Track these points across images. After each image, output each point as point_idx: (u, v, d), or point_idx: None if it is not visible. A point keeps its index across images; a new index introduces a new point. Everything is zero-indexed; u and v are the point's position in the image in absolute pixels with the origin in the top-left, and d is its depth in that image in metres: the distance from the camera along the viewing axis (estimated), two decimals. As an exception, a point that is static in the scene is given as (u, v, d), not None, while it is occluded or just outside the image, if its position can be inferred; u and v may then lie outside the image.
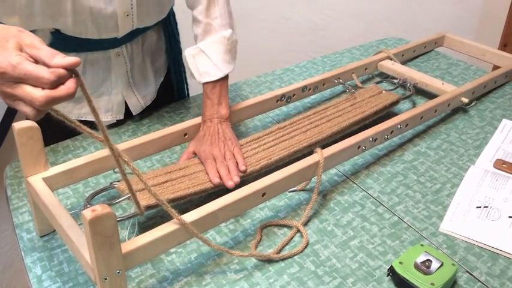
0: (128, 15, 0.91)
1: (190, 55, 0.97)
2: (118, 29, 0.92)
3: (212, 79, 0.95)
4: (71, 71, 0.54)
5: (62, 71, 0.53)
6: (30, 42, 0.56)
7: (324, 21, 2.19)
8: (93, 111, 0.58)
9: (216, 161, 0.86)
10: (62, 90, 0.54)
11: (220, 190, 0.83)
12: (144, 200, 0.77)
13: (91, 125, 1.03)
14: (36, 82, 0.53)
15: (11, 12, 0.84)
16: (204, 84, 0.96)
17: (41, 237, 0.82)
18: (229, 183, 0.82)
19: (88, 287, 0.73)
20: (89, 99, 0.57)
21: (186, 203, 0.86)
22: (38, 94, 0.53)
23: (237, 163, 0.86)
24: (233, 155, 0.88)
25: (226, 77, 0.96)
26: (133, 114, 1.08)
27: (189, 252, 0.80)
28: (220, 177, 0.83)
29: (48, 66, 0.54)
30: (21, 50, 0.56)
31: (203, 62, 0.96)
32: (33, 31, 0.89)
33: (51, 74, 0.53)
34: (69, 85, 0.54)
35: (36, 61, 0.55)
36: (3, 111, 1.56)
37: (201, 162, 0.88)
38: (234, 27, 1.00)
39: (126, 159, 0.64)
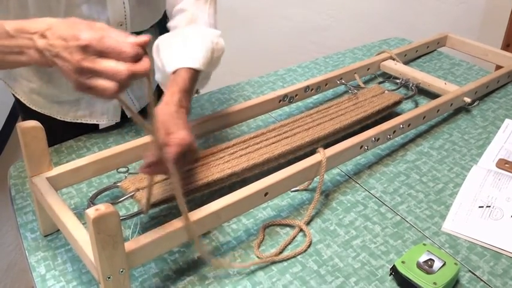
0: (121, 24, 0.91)
1: (164, 42, 0.85)
2: None
3: (184, 66, 0.79)
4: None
5: (140, 48, 0.55)
6: (101, 26, 0.56)
7: (326, 22, 2.20)
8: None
9: None
10: (142, 65, 0.55)
11: (222, 188, 0.84)
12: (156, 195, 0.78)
13: (87, 127, 1.04)
14: (117, 56, 0.54)
15: (6, 13, 0.84)
16: (175, 72, 0.80)
17: (45, 236, 0.82)
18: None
19: (92, 286, 0.74)
20: (150, 83, 0.58)
21: (188, 202, 0.86)
22: (122, 67, 0.53)
23: None
24: None
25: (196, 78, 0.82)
26: (128, 116, 1.08)
27: (192, 251, 0.80)
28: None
29: None
30: None
31: (177, 47, 0.82)
32: None
33: (132, 48, 0.54)
34: (146, 62, 0.55)
35: None
36: (7, 112, 1.56)
37: (201, 157, 0.87)
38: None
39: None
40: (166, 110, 0.74)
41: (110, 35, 0.55)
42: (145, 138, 0.89)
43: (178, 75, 0.80)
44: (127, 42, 0.54)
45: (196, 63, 0.80)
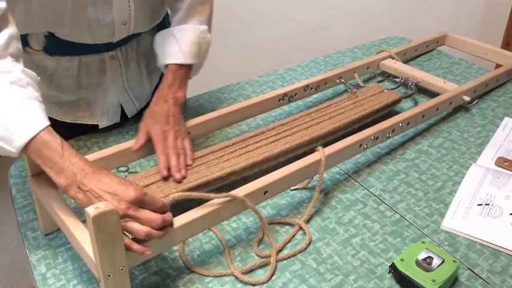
0: (125, 24, 0.92)
1: (160, 38, 0.97)
2: (114, 36, 0.93)
3: (175, 62, 0.93)
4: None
5: (166, 205, 0.70)
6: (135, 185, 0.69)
7: (326, 21, 2.20)
8: None
9: (169, 147, 0.85)
10: (170, 216, 0.69)
11: (222, 187, 0.84)
12: (156, 193, 0.78)
13: (87, 127, 1.05)
14: (153, 208, 0.67)
15: (11, 15, 0.84)
16: (167, 66, 0.94)
17: (46, 235, 0.82)
18: (177, 176, 0.82)
19: (92, 285, 0.74)
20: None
21: (188, 201, 0.86)
22: (157, 217, 0.66)
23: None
24: (183, 145, 0.87)
25: (189, 68, 0.95)
26: (128, 116, 1.08)
27: (191, 250, 0.80)
28: (169, 169, 0.83)
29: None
30: None
31: (171, 44, 0.95)
32: (26, 35, 0.90)
33: (163, 204, 0.68)
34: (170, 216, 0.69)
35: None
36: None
37: (202, 156, 0.88)
38: (210, 31, 1.01)
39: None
40: (161, 109, 0.89)
41: (147, 192, 0.68)
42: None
43: (171, 69, 0.94)
44: (159, 199, 0.69)
45: (182, 59, 0.94)
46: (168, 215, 0.69)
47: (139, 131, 0.89)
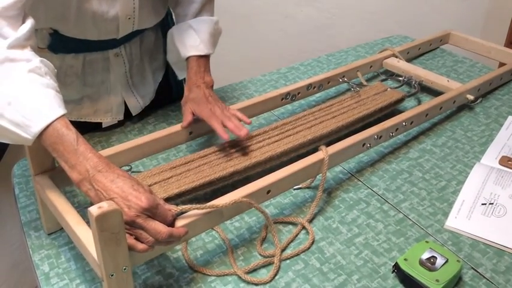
0: (129, 18, 0.92)
1: (177, 32, 0.99)
2: (118, 32, 0.93)
3: (198, 53, 0.97)
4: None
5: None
6: (149, 192, 0.68)
7: (328, 20, 2.19)
8: None
9: (221, 117, 0.89)
10: (180, 230, 0.68)
11: (225, 187, 0.84)
12: (158, 193, 0.78)
13: (90, 126, 1.05)
14: (163, 220, 0.66)
15: None
16: (189, 58, 0.97)
17: (49, 235, 0.82)
18: (242, 133, 0.86)
19: (95, 284, 0.74)
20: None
21: (191, 201, 0.86)
22: (165, 230, 0.65)
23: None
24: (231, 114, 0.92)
25: (208, 57, 0.99)
26: (133, 114, 1.08)
27: (194, 249, 0.80)
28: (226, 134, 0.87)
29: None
30: None
31: (191, 37, 0.98)
32: None
33: (172, 217, 0.68)
34: (182, 229, 0.68)
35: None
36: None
37: (204, 156, 0.88)
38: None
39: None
40: (198, 94, 0.93)
41: (161, 202, 0.67)
42: (147, 137, 0.89)
43: (192, 60, 0.97)
44: (170, 214, 0.68)
45: (204, 50, 0.98)
46: (179, 230, 0.68)
47: (184, 112, 0.93)
